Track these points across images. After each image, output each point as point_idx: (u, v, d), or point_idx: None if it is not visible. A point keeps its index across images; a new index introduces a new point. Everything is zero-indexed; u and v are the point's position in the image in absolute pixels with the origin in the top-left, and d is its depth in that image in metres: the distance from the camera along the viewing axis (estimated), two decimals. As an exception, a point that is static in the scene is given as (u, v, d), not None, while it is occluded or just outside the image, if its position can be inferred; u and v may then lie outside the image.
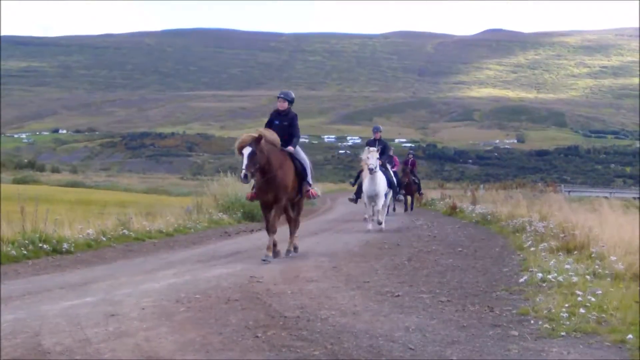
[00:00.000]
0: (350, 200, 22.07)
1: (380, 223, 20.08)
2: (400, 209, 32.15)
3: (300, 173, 13.49)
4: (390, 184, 20.69)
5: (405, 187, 30.82)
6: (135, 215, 18.15)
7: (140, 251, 14.87)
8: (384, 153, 20.91)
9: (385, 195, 20.69)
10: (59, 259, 13.03)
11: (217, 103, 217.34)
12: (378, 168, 19.51)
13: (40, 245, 13.29)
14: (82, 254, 13.86)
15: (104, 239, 15.40)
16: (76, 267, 12.21)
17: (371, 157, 19.17)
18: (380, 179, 19.85)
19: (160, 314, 7.69)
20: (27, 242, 13.08)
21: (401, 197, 28.44)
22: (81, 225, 15.54)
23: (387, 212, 24.18)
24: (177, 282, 9.98)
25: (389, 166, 22.42)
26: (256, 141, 12.34)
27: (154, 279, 10.28)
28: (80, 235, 14.82)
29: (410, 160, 33.84)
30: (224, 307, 8.12)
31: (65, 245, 13.78)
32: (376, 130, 22.28)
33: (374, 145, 20.25)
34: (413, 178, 33.22)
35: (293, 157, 13.51)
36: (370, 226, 19.45)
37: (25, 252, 12.78)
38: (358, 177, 22.46)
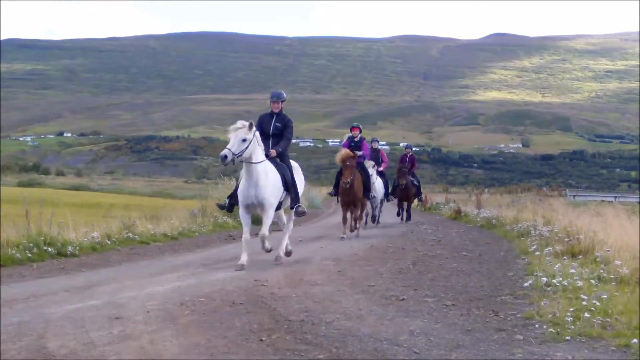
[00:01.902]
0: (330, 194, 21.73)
1: (375, 220, 22.11)
2: (394, 216, 27.95)
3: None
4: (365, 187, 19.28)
5: (401, 191, 26.28)
6: (139, 219, 18.17)
7: (145, 254, 14.86)
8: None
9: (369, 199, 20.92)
10: (63, 261, 13.03)
11: (221, 106, 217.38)
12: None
13: (45, 248, 13.28)
14: (86, 257, 13.86)
15: (109, 242, 15.41)
16: (81, 270, 12.20)
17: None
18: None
19: (165, 317, 7.68)
20: (31, 245, 13.08)
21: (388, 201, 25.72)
22: (86, 229, 15.54)
23: (366, 221, 23.23)
24: (182, 285, 9.97)
25: (370, 167, 21.36)
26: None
27: (158, 282, 10.27)
28: (85, 239, 14.82)
29: (408, 157, 27.23)
30: (229, 311, 8.11)
31: (70, 249, 13.79)
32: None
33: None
34: (412, 179, 26.87)
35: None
36: (344, 235, 18.43)
37: (30, 254, 12.79)
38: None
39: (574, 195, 61.63)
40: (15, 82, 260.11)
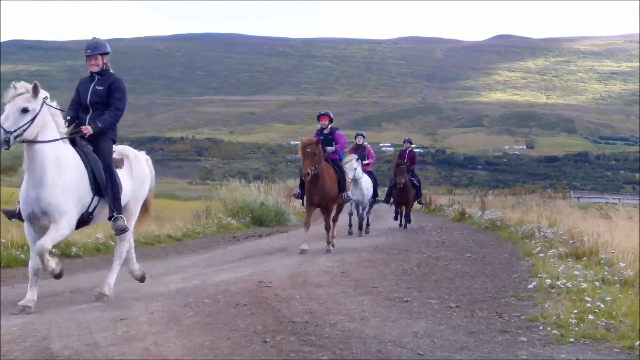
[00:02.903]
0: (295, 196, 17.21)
1: (363, 227, 20.39)
2: (387, 223, 25.47)
3: None
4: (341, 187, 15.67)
5: (399, 191, 23.13)
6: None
7: (149, 255, 14.87)
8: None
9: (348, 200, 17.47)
10: (67, 262, 13.03)
11: (225, 108, 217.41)
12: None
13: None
14: (90, 257, 13.90)
15: (113, 243, 15.41)
16: (85, 271, 12.23)
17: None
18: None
19: (169, 319, 7.69)
20: (35, 245, 13.08)
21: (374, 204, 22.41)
22: (90, 230, 15.57)
23: (350, 231, 20.93)
24: (186, 286, 9.98)
25: (354, 160, 19.17)
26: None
27: (162, 284, 10.28)
28: (89, 240, 14.85)
29: (407, 153, 24.13)
30: (233, 312, 8.12)
31: (74, 249, 13.82)
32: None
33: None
34: (411, 179, 23.69)
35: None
36: (305, 246, 14.81)
37: (33, 255, 12.79)
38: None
39: (579, 197, 61.56)
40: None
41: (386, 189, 24.99)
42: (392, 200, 23.71)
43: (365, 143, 21.56)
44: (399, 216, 24.06)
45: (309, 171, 14.20)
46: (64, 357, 6.13)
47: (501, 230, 21.33)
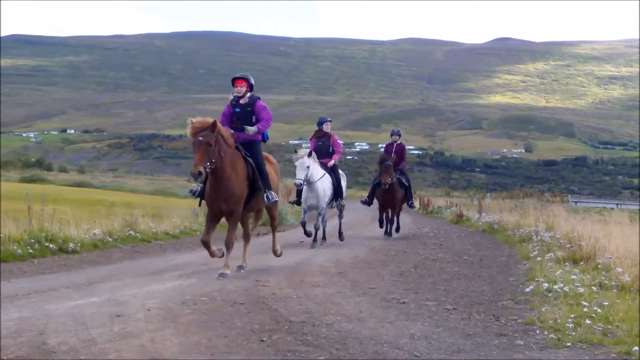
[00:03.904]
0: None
1: (315, 236, 16.42)
2: (370, 230, 22.17)
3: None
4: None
5: (385, 192, 19.14)
6: (141, 217, 18.19)
7: (146, 252, 14.88)
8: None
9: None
10: (65, 258, 13.06)
11: (225, 106, 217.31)
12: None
13: (47, 244, 13.32)
14: (88, 253, 13.89)
15: (110, 239, 15.43)
16: (82, 267, 12.21)
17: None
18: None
19: (166, 316, 7.68)
20: (33, 241, 13.11)
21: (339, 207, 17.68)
22: (88, 226, 15.58)
23: (315, 240, 16.52)
24: (183, 284, 9.97)
25: (302, 150, 16.11)
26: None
27: (159, 281, 10.27)
28: (87, 236, 14.86)
29: (395, 146, 20.15)
30: (230, 311, 8.11)
31: (71, 245, 13.82)
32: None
33: None
34: (399, 177, 19.63)
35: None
36: (226, 270, 10.95)
37: (31, 250, 12.81)
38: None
39: (576, 202, 61.66)
40: (20, 78, 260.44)
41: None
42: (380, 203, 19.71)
43: (331, 132, 17.50)
44: (385, 221, 19.70)
45: (200, 170, 10.28)
46: (60, 352, 6.12)
47: (499, 234, 21.33)
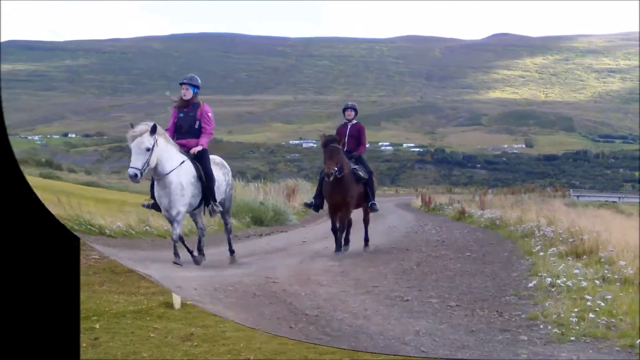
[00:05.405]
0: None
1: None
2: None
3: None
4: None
5: (332, 188, 13.22)
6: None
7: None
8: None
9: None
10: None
11: (224, 107, 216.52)
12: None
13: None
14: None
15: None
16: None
17: None
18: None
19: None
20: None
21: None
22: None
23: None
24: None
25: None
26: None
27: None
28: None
29: (349, 127, 14.59)
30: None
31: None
32: None
33: None
34: (354, 167, 13.64)
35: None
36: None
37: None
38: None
39: (578, 196, 61.53)
40: (18, 84, 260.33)
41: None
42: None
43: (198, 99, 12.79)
44: (336, 230, 13.58)
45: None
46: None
47: (501, 229, 21.29)
